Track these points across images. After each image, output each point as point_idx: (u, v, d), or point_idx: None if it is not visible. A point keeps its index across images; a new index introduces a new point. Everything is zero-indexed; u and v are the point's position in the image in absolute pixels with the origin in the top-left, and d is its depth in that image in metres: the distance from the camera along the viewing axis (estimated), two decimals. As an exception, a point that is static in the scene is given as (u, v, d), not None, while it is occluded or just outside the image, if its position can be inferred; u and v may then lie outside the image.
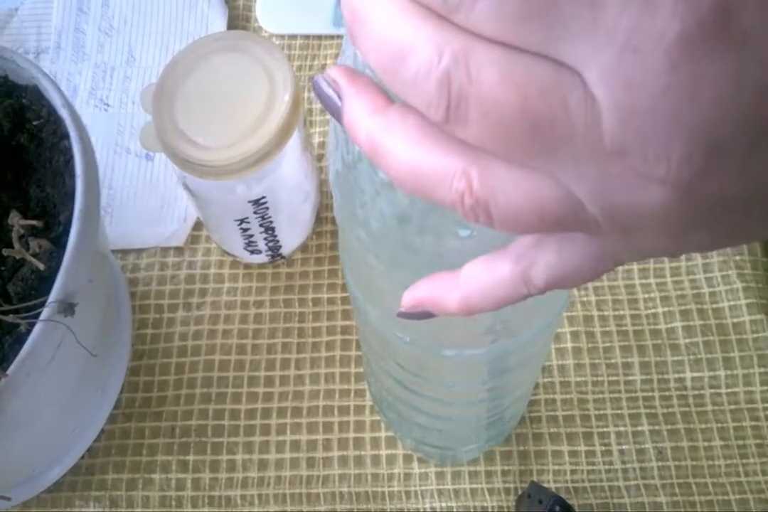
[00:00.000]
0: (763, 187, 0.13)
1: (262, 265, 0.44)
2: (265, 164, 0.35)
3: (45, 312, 0.30)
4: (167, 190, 0.46)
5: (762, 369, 0.40)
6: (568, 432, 0.40)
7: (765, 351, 0.41)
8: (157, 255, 0.45)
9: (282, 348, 0.42)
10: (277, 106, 0.35)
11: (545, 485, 0.37)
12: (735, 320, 0.41)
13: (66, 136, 0.34)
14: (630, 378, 0.41)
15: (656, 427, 0.40)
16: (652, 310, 0.42)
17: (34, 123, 0.35)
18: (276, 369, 0.42)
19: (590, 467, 0.39)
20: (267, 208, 0.39)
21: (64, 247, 0.31)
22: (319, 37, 0.50)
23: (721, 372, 0.41)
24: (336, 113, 0.16)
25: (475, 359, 0.26)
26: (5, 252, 0.31)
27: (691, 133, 0.12)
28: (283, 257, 0.44)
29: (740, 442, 0.39)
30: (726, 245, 0.15)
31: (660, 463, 0.39)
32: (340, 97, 0.15)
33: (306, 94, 0.48)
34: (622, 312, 0.42)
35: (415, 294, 0.18)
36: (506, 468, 0.39)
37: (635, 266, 0.43)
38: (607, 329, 0.42)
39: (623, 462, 0.39)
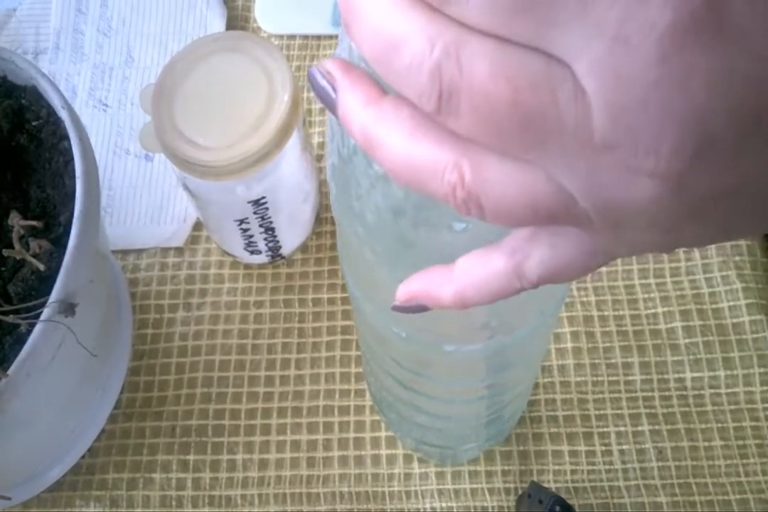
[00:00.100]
0: (754, 179, 0.13)
1: (262, 266, 0.44)
2: (265, 164, 0.35)
3: (45, 313, 0.30)
4: (167, 191, 0.46)
5: (762, 370, 0.40)
6: (568, 432, 0.40)
7: (764, 352, 0.41)
8: (158, 255, 0.45)
9: (282, 348, 0.42)
10: (277, 106, 0.35)
11: (545, 485, 0.37)
12: (735, 320, 0.41)
13: (65, 136, 0.34)
14: (630, 378, 0.41)
15: (656, 427, 0.40)
16: (652, 310, 0.42)
17: (34, 123, 0.35)
18: (276, 369, 0.42)
19: (590, 467, 0.39)
20: (267, 209, 0.39)
21: (64, 247, 0.31)
22: (318, 38, 0.50)
23: (721, 373, 0.41)
24: (330, 105, 0.16)
25: (473, 355, 0.26)
26: (6, 252, 0.31)
27: (682, 125, 0.12)
28: (283, 257, 0.44)
29: (740, 442, 0.39)
30: (719, 240, 0.15)
31: (660, 463, 0.39)
32: (334, 89, 0.15)
33: (305, 95, 0.48)
34: (622, 313, 0.42)
35: (409, 288, 0.18)
36: (506, 468, 0.39)
37: (635, 266, 0.43)
38: (607, 329, 0.42)
39: (623, 462, 0.39)
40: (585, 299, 0.42)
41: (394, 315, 0.19)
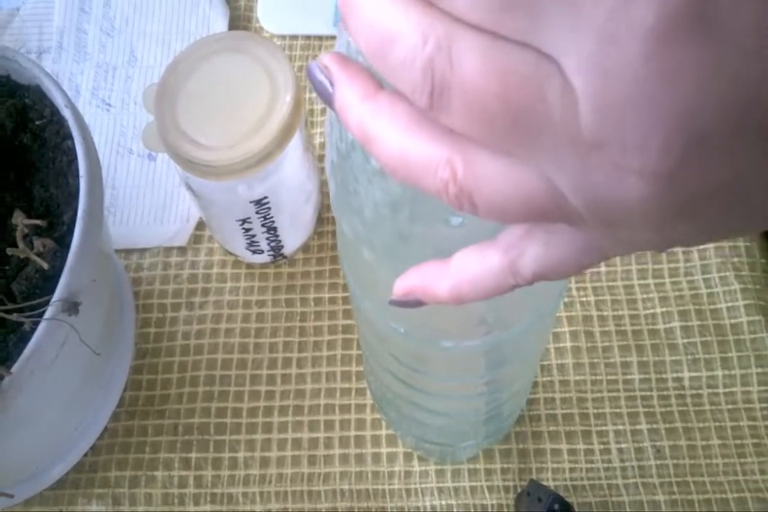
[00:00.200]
0: (748, 173, 0.13)
1: (264, 265, 0.45)
2: (267, 164, 0.36)
3: (49, 311, 0.30)
4: (170, 190, 0.46)
5: (759, 370, 0.41)
6: (567, 430, 0.40)
7: (762, 352, 0.41)
8: (160, 254, 0.45)
9: (284, 347, 0.43)
10: (279, 106, 0.35)
11: (544, 483, 0.38)
12: (733, 321, 0.42)
13: (69, 136, 0.34)
14: (628, 377, 0.41)
15: (654, 426, 0.40)
16: (651, 310, 0.42)
17: (37, 123, 0.35)
18: (278, 368, 0.42)
19: (589, 465, 0.39)
20: (269, 209, 0.39)
21: (68, 246, 0.31)
22: (320, 38, 0.50)
23: (719, 372, 0.41)
24: (328, 99, 0.16)
25: (471, 351, 0.26)
26: (10, 251, 0.31)
27: (670, 122, 0.12)
28: (285, 257, 0.44)
29: (738, 441, 0.39)
30: (715, 238, 0.15)
31: (658, 462, 0.39)
32: (331, 83, 0.16)
33: (307, 95, 0.48)
34: (620, 313, 0.42)
35: (406, 282, 0.18)
36: (506, 466, 0.39)
37: (633, 267, 0.43)
38: (606, 329, 0.42)
39: (622, 461, 0.39)
40: (584, 299, 0.43)
41: (392, 311, 0.19)
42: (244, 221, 0.39)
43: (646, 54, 0.11)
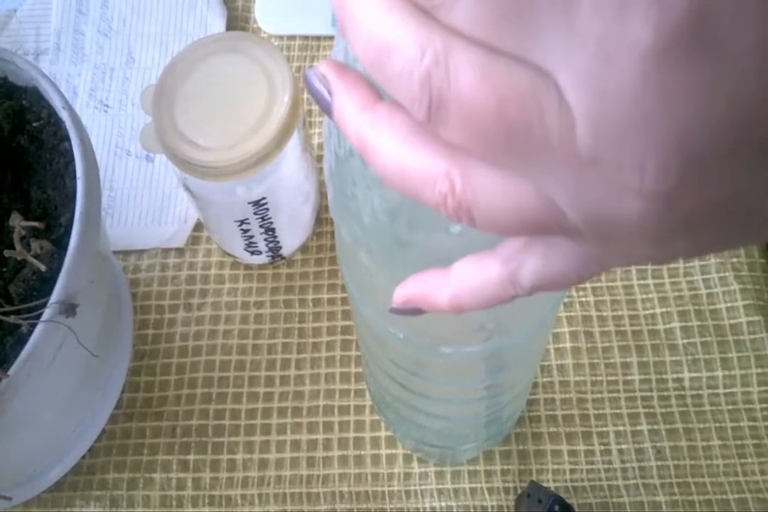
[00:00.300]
0: (747, 189, 0.13)
1: (262, 266, 0.45)
2: (265, 165, 0.35)
3: (46, 313, 0.30)
4: (167, 192, 0.46)
5: (759, 370, 0.41)
6: (567, 431, 0.40)
7: (762, 352, 0.41)
8: (158, 256, 0.45)
9: (282, 348, 0.43)
10: (277, 107, 0.35)
11: (544, 484, 0.38)
12: (732, 321, 0.42)
13: (66, 137, 0.34)
14: (628, 377, 0.41)
15: (655, 427, 0.40)
16: (650, 311, 0.42)
17: (34, 124, 0.35)
18: (276, 370, 0.42)
19: (589, 466, 0.39)
20: (267, 209, 0.39)
21: (65, 248, 0.31)
22: (318, 38, 0.50)
23: (719, 373, 0.41)
24: (326, 108, 0.16)
25: (471, 357, 0.26)
26: (7, 253, 0.31)
27: (667, 143, 0.12)
28: (283, 258, 0.44)
29: (738, 442, 0.39)
30: (716, 251, 0.15)
31: (659, 462, 0.39)
32: (329, 92, 0.15)
33: (305, 95, 0.48)
34: (620, 313, 0.42)
35: (405, 291, 0.18)
36: (506, 467, 0.39)
37: (633, 267, 0.43)
38: (606, 329, 0.42)
39: (622, 462, 0.39)
40: (584, 299, 0.43)
41: (392, 316, 0.19)
42: (242, 222, 0.39)
43: (644, 74, 0.11)
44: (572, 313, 0.42)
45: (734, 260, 0.43)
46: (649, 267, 0.43)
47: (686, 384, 0.41)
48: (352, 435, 0.40)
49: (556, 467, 0.39)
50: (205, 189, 0.37)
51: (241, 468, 0.40)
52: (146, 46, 0.50)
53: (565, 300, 0.43)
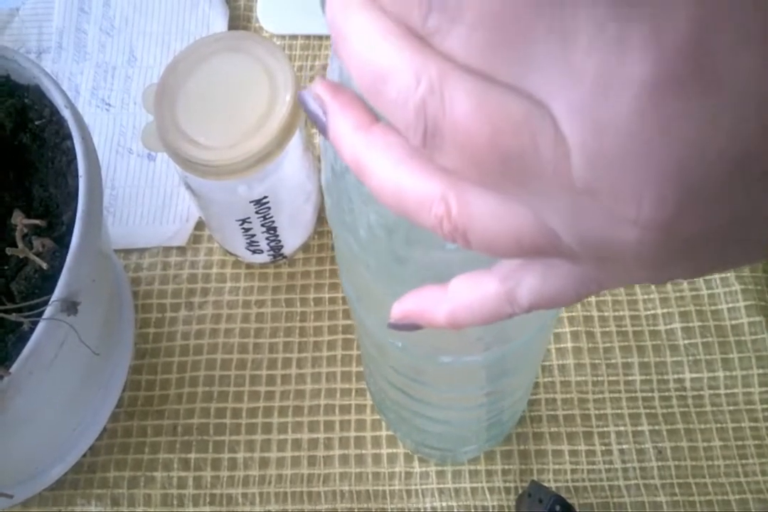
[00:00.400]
0: (746, 215, 0.13)
1: (263, 265, 0.45)
2: (267, 164, 0.36)
3: (48, 311, 0.30)
4: (169, 190, 0.46)
5: (760, 371, 0.41)
6: (568, 431, 0.40)
7: (763, 353, 0.41)
8: (160, 254, 0.45)
9: (284, 347, 0.43)
10: (279, 106, 0.35)
11: (545, 484, 0.37)
12: (733, 322, 0.42)
13: (68, 136, 0.34)
14: (630, 378, 0.41)
15: (656, 427, 0.40)
16: (652, 311, 0.42)
17: (37, 123, 0.35)
18: (278, 368, 0.42)
19: (590, 466, 0.39)
20: (269, 208, 0.39)
21: (67, 246, 0.31)
22: (320, 38, 0.50)
23: (720, 374, 0.41)
24: (322, 128, 0.16)
25: (470, 365, 0.26)
26: (9, 251, 0.31)
27: (664, 176, 0.12)
28: (284, 257, 0.44)
29: (739, 443, 0.39)
30: (710, 273, 0.15)
31: (660, 463, 0.39)
32: (324, 113, 0.15)
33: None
34: (621, 313, 0.42)
35: (403, 307, 0.18)
36: (507, 467, 0.39)
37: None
38: (607, 329, 0.42)
39: (623, 462, 0.39)
40: (585, 299, 0.43)
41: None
42: (243, 221, 0.39)
43: (641, 107, 0.11)
44: (574, 313, 0.42)
45: (736, 260, 0.43)
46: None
47: (687, 384, 0.41)
48: (353, 434, 0.40)
49: (557, 467, 0.39)
50: (206, 188, 0.37)
51: (242, 467, 0.40)
52: (148, 44, 0.50)
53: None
